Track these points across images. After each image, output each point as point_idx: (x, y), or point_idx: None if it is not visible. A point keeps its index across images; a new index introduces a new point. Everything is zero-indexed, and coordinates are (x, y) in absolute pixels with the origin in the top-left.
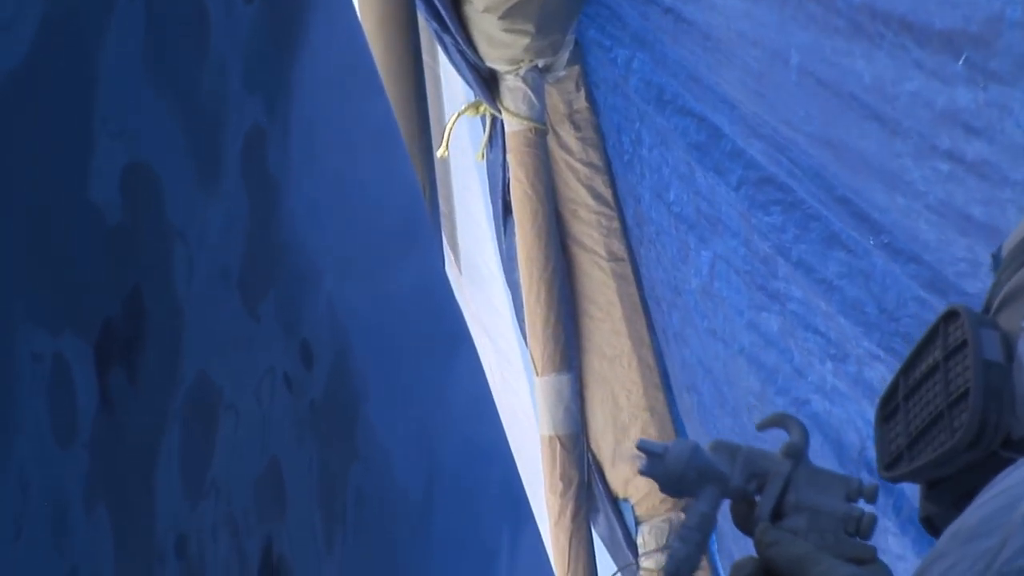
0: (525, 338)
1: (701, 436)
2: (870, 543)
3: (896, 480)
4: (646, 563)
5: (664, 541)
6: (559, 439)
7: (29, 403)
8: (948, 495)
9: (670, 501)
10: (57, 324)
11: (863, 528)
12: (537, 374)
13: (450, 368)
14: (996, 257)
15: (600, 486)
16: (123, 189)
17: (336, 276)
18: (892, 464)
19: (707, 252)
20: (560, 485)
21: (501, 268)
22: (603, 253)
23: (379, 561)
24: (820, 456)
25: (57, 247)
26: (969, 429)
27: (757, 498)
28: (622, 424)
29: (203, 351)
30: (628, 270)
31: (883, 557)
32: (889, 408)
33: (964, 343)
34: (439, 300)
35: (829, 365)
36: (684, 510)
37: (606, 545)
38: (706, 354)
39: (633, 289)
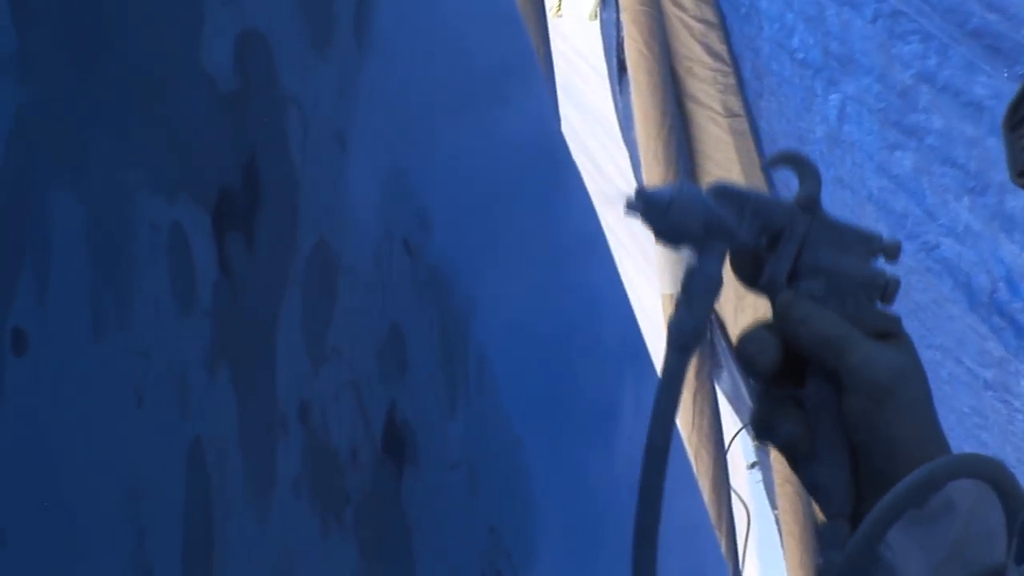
0: None
1: None
2: (893, 311)
3: None
4: None
5: None
6: None
7: (148, 272)
8: None
9: None
10: (174, 193)
11: (888, 294)
12: None
13: (563, 212)
14: None
15: (723, 342)
16: (236, 56)
17: (450, 131)
18: None
19: (836, 95)
20: None
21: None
22: (720, 110)
23: (503, 421)
24: (951, 300)
25: (172, 117)
26: None
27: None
28: None
29: (320, 217)
30: (745, 126)
31: (1015, 402)
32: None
33: None
34: (548, 143)
35: (965, 201)
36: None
37: (730, 401)
38: (832, 204)
39: (751, 144)
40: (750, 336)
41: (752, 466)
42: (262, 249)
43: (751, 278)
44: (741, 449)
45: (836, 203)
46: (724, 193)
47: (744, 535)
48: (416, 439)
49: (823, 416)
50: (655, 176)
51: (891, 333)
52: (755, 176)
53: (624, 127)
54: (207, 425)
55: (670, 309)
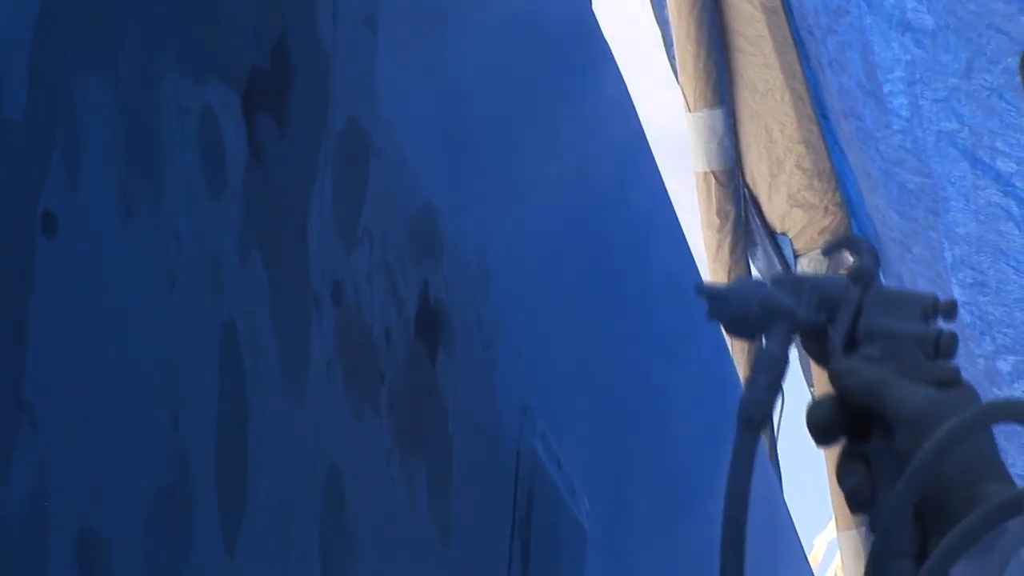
0: (676, 75)
1: (863, 161)
2: (952, 363)
3: None
4: None
5: (823, 273)
6: (714, 174)
7: (178, 156)
8: None
9: (829, 233)
10: (203, 75)
11: (942, 347)
12: (689, 110)
13: (590, 80)
14: None
15: (757, 220)
16: None
17: (478, 13)
18: None
19: None
20: (717, 220)
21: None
22: None
23: (535, 293)
24: None
25: None
26: None
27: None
28: (777, 158)
29: (351, 97)
30: (777, 3)
31: None
32: None
33: None
34: (580, 18)
35: None
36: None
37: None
38: (883, 62)
39: (783, 22)
40: (812, 402)
41: None
42: (293, 130)
43: (820, 356)
44: None
45: (888, 59)
46: (782, 280)
47: (778, 412)
48: (450, 319)
49: (882, 462)
50: (688, 55)
51: (949, 382)
52: (788, 53)
53: (656, 6)
54: (240, 308)
55: (703, 186)
